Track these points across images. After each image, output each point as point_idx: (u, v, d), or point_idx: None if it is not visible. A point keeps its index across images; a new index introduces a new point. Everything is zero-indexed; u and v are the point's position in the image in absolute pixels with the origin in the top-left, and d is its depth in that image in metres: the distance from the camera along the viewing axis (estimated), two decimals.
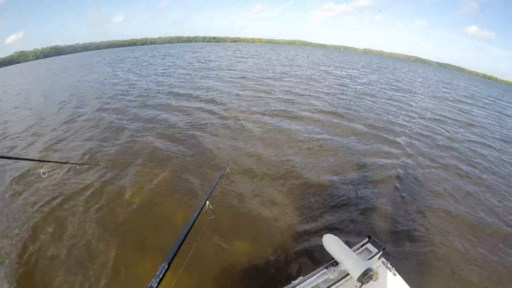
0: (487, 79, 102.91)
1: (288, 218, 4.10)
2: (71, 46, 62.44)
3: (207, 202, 1.77)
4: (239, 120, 8.00)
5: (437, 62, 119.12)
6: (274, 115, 8.60)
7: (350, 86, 14.28)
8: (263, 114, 8.64)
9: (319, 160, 5.88)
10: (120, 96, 10.97)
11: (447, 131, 8.97)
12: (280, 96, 10.77)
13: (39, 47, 52.75)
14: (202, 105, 9.50)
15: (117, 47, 74.33)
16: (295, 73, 17.74)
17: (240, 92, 11.04)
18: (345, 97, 11.37)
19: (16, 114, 9.56)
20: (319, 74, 18.42)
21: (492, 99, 21.18)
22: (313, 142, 6.75)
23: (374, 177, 5.48)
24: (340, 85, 14.33)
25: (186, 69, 19.38)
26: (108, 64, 24.80)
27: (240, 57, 30.81)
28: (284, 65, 22.54)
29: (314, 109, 9.42)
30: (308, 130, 7.51)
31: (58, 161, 4.65)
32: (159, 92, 11.38)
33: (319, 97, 11.14)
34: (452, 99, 15.61)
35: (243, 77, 15.14)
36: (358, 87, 14.24)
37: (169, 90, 11.64)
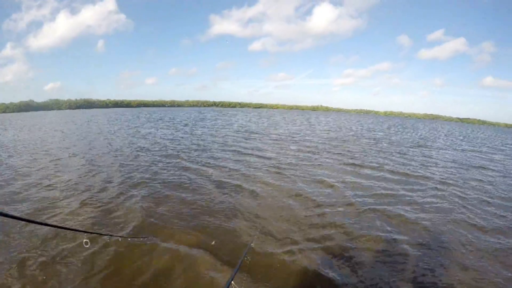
0: (509, 128, 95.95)
1: None
2: (102, 101, 71.63)
3: (232, 282, 1.72)
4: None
5: (458, 118, 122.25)
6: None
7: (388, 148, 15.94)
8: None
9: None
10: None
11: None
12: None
13: (73, 98, 61.65)
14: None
15: (146, 106, 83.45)
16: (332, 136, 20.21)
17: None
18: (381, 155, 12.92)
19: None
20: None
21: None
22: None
23: None
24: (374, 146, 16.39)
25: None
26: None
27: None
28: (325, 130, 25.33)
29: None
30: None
31: (102, 233, 4.41)
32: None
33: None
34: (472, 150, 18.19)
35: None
36: (392, 148, 16.07)
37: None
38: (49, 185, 6.96)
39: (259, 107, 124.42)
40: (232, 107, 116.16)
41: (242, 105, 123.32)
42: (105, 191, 6.72)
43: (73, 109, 58.91)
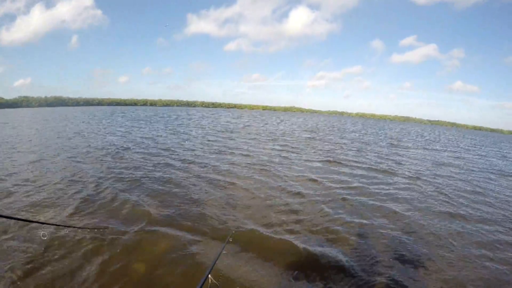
0: (477, 130, 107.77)
1: None
2: (73, 99, 72.35)
3: (210, 276, 1.68)
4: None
5: (428, 120, 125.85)
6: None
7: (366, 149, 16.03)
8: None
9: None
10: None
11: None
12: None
13: (43, 95, 62.16)
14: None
15: (118, 105, 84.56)
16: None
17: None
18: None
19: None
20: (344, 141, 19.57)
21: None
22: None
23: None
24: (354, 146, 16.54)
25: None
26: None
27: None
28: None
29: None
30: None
31: (60, 224, 4.26)
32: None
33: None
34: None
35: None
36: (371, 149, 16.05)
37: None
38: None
39: (232, 107, 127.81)
40: (205, 107, 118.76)
41: (215, 105, 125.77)
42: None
43: (43, 106, 59.41)
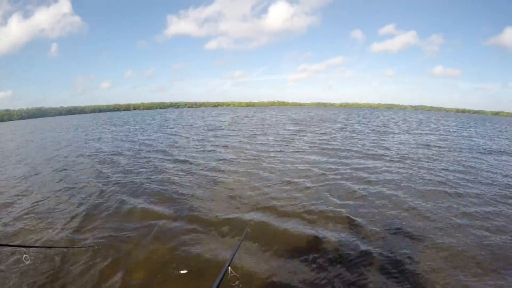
0: (460, 113, 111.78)
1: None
2: (55, 108, 70.70)
3: (229, 268, 1.71)
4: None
5: (411, 106, 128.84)
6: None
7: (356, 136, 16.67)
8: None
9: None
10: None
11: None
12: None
13: (24, 107, 60.52)
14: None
15: (101, 111, 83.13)
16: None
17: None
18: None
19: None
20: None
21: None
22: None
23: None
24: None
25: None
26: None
27: None
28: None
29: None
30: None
31: (43, 245, 4.11)
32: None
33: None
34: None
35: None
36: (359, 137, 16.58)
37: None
38: None
39: (216, 106, 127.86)
40: (189, 107, 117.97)
41: (198, 105, 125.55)
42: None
43: (25, 119, 57.78)
